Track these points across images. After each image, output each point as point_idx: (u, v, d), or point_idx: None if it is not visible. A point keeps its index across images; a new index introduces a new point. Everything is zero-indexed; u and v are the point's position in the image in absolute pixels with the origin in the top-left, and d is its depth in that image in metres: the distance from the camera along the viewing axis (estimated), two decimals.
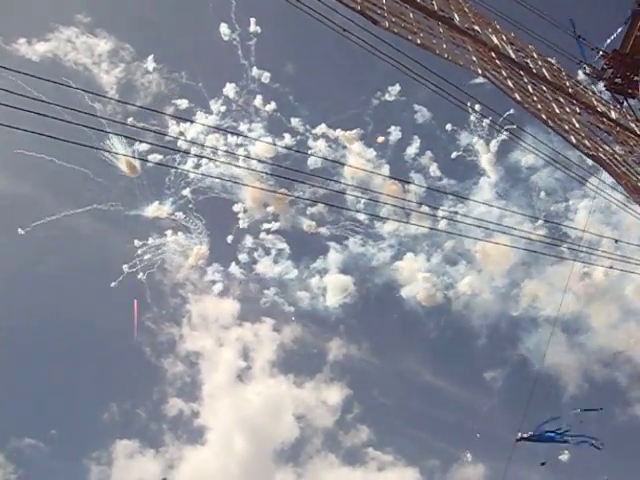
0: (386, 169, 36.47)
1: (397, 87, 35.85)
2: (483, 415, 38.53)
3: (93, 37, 36.27)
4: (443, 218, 19.00)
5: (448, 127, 36.21)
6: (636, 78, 17.38)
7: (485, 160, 36.13)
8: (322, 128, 36.63)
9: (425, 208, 15.89)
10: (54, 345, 38.53)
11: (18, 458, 35.59)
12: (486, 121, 26.64)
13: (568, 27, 19.15)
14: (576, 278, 33.14)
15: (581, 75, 17.75)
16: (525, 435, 23.83)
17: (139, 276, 36.09)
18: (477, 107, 13.93)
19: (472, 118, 32.47)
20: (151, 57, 36.59)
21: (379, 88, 36.46)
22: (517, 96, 9.93)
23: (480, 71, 9.64)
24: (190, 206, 36.59)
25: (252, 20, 35.46)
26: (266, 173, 18.85)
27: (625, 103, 17.32)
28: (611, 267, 14.66)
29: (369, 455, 37.65)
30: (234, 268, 37.40)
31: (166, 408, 37.98)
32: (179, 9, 38.37)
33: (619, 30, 17.67)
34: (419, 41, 9.17)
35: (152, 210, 36.29)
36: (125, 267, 35.71)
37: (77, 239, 38.60)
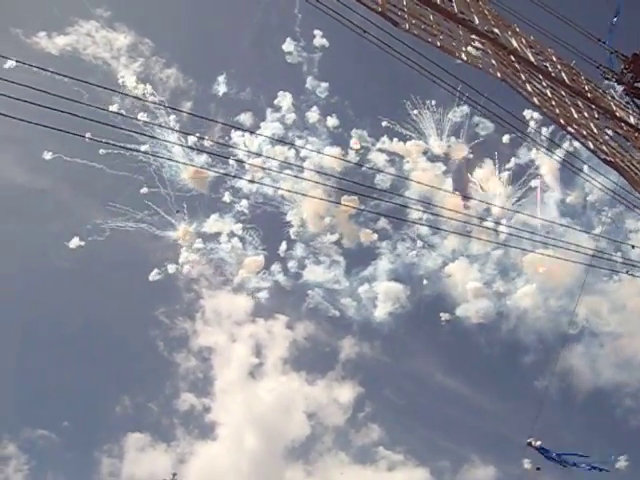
0: (449, 183, 36.70)
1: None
2: (495, 416, 38.60)
3: (112, 31, 36.58)
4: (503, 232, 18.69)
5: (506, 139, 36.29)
6: None
7: (549, 173, 35.95)
8: (384, 141, 36.87)
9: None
10: (68, 337, 39.01)
11: (30, 449, 36.18)
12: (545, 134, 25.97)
13: (587, 30, 19.02)
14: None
15: (600, 79, 17.61)
16: (534, 442, 23.68)
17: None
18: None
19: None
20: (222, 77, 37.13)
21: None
22: (536, 100, 9.91)
23: (499, 75, 9.62)
24: (246, 218, 36.94)
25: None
26: (331, 187, 18.99)
27: None
28: None
29: (379, 454, 37.84)
30: (281, 278, 37.72)
31: (178, 403, 38.38)
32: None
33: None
34: (439, 43, 9.18)
35: (210, 224, 36.52)
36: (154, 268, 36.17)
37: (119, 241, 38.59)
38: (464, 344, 38.57)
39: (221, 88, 37.07)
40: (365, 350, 39.22)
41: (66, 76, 8.49)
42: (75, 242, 35.25)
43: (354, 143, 36.04)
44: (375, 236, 36.93)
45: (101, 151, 33.79)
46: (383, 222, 36.64)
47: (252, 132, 37.61)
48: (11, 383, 37.40)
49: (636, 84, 17.10)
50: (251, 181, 34.21)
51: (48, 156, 34.07)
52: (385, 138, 36.78)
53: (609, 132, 12.00)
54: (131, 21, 37.14)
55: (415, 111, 35.76)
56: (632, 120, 13.64)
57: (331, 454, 38.11)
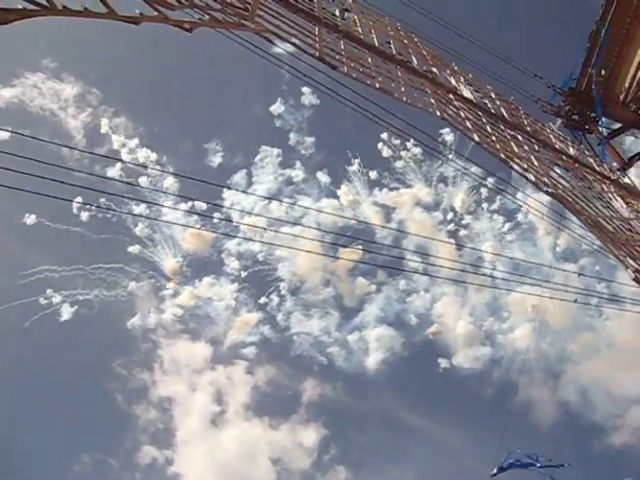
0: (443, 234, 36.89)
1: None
2: (461, 451, 38.37)
3: (59, 82, 36.36)
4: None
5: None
6: (592, 114, 17.88)
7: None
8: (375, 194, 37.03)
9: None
10: (18, 393, 37.42)
11: None
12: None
13: (523, 66, 19.75)
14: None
15: (539, 113, 18.22)
16: (495, 470, 23.93)
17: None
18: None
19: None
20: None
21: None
22: (476, 137, 10.10)
23: (439, 113, 9.79)
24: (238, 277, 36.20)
25: None
26: (326, 242, 18.88)
27: (583, 140, 17.77)
28: None
29: None
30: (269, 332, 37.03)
31: (139, 456, 37.14)
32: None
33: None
34: (377, 85, 9.29)
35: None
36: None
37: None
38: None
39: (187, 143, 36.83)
40: (327, 391, 38.79)
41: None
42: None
43: None
44: (373, 287, 36.95)
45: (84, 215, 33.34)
46: (380, 274, 36.84)
47: (245, 192, 37.62)
48: None
49: (573, 116, 17.76)
50: (248, 239, 33.73)
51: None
52: (376, 190, 37.20)
53: (550, 164, 12.32)
54: (78, 71, 37.08)
55: (399, 162, 36.58)
56: (571, 152, 14.08)
57: None
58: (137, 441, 37.55)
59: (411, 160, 37.54)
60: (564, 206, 10.99)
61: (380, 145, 38.29)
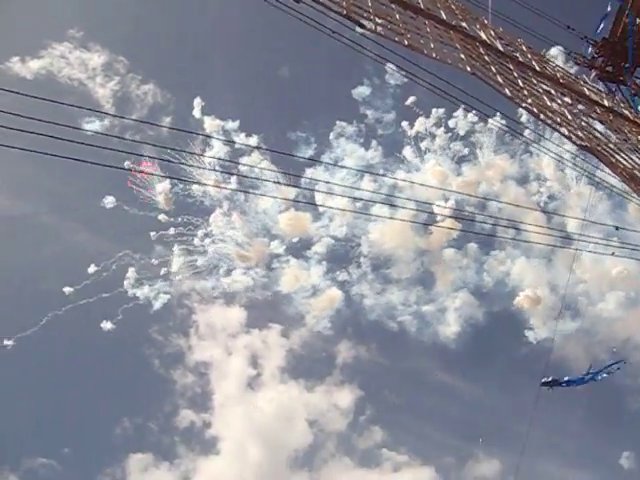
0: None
1: None
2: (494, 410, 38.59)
3: (86, 51, 36.47)
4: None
5: None
6: (627, 65, 17.35)
7: None
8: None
9: None
10: (63, 363, 38.68)
11: (32, 479, 35.75)
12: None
13: (556, 18, 19.19)
14: None
15: (572, 65, 17.77)
16: (549, 379, 23.81)
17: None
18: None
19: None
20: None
21: None
22: (507, 92, 9.93)
23: (469, 68, 9.64)
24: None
25: None
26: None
27: (617, 91, 17.30)
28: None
29: (384, 456, 37.76)
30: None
31: (178, 420, 38.18)
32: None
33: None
34: (406, 42, 9.18)
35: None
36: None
37: None
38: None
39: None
40: (362, 353, 39.18)
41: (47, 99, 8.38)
42: None
43: None
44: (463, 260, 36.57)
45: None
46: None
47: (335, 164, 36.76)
48: (9, 412, 36.98)
49: (607, 68, 17.26)
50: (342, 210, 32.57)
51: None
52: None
53: (584, 117, 12.06)
54: (105, 40, 37.07)
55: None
56: (606, 103, 13.72)
57: (335, 460, 38.08)
58: (175, 405, 38.61)
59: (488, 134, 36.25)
60: (599, 159, 10.80)
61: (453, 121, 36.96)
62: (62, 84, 35.99)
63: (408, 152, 36.86)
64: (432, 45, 9.68)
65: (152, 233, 35.79)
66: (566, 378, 25.29)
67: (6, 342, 34.35)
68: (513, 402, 36.94)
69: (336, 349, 38.81)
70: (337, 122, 37.58)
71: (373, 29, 8.88)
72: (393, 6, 10.21)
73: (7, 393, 36.65)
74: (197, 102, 36.50)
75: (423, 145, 36.97)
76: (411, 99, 36.51)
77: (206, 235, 36.15)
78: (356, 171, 38.67)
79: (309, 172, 33.41)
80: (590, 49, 18.22)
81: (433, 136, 37.08)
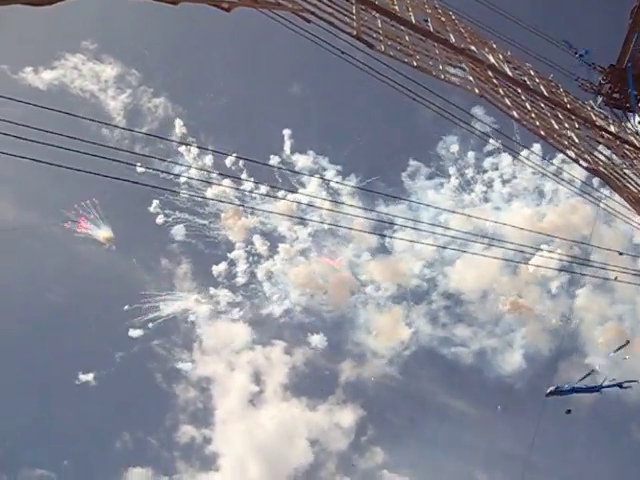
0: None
1: None
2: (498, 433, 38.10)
3: (99, 63, 36.89)
4: None
5: None
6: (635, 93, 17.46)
7: None
8: None
9: None
10: (64, 374, 38.47)
11: None
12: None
13: (564, 44, 19.42)
14: None
15: (579, 91, 17.87)
16: (553, 389, 23.57)
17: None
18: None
19: None
20: None
21: None
22: (515, 114, 10.01)
23: (477, 91, 9.72)
24: None
25: None
26: None
27: (624, 117, 17.39)
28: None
29: (384, 478, 37.28)
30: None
31: (178, 435, 37.70)
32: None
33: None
34: (415, 63, 9.27)
35: None
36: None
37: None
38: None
39: None
40: (365, 372, 38.88)
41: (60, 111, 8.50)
42: None
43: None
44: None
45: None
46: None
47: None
48: (7, 422, 36.76)
49: (614, 94, 17.38)
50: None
51: None
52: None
53: (590, 141, 12.14)
54: (117, 52, 37.51)
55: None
56: (612, 129, 13.82)
57: None
58: (176, 420, 38.24)
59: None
60: (606, 183, 10.85)
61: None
62: (74, 95, 36.38)
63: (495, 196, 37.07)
64: (441, 67, 9.79)
65: None
66: (567, 386, 25.03)
67: None
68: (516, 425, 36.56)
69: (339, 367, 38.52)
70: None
71: (383, 50, 8.98)
72: (403, 28, 10.37)
73: (5, 400, 36.52)
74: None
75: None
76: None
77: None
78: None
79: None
80: (596, 76, 18.41)
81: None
